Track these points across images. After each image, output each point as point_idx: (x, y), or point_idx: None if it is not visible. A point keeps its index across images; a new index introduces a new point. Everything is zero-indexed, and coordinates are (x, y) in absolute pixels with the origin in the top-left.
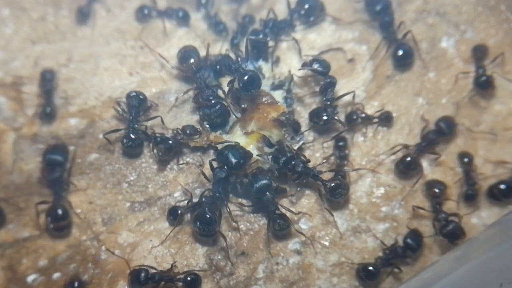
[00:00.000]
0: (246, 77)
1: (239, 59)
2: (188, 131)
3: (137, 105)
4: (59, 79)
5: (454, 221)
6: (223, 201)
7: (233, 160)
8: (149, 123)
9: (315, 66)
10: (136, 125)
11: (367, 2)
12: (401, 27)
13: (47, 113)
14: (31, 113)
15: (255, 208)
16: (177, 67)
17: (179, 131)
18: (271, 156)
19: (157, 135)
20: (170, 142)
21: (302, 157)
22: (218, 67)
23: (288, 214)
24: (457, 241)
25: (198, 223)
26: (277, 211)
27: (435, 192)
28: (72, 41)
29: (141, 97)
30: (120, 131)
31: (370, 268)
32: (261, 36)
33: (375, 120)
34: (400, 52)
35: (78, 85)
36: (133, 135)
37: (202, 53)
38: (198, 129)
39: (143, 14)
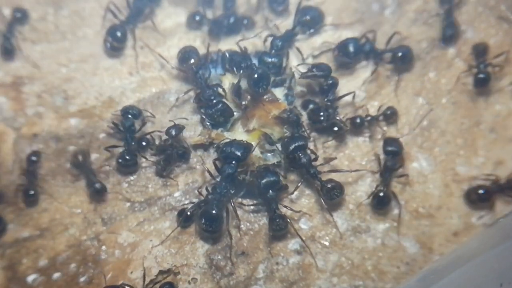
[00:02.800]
0: (256, 75)
1: (246, 56)
2: (174, 132)
3: (131, 125)
4: (60, 79)
5: None
6: (230, 198)
7: (237, 152)
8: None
9: (316, 72)
10: (132, 143)
11: (341, 55)
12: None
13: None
14: (31, 113)
15: (256, 207)
16: (178, 68)
17: (167, 136)
18: (281, 143)
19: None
20: (167, 153)
21: (311, 153)
22: (225, 62)
23: (288, 213)
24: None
25: (203, 219)
26: (277, 211)
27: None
28: (72, 41)
29: (134, 111)
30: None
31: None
32: (274, 59)
33: (381, 118)
34: (400, 54)
35: (78, 85)
36: (128, 156)
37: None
38: (181, 125)
39: (194, 20)
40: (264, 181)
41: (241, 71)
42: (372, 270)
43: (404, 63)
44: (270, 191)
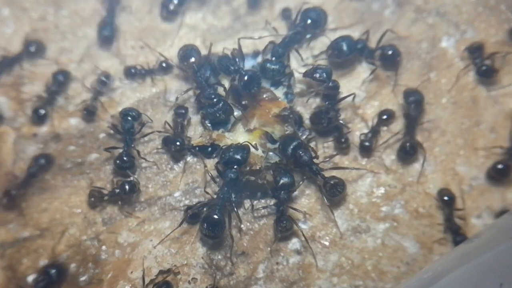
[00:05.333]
0: (246, 77)
1: (237, 59)
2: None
3: (131, 127)
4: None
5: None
6: (233, 202)
7: (237, 156)
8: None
9: (317, 75)
10: (132, 145)
11: (335, 54)
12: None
13: None
14: (31, 113)
15: (256, 207)
16: (178, 66)
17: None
18: (278, 145)
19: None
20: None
21: (311, 150)
22: (216, 66)
23: (290, 212)
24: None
25: (205, 224)
26: (284, 212)
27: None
28: (72, 41)
29: (133, 113)
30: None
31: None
32: (277, 66)
33: (379, 124)
34: (390, 52)
35: (78, 85)
36: (125, 157)
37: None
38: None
39: (168, 11)
40: (281, 182)
41: (231, 75)
42: (372, 270)
43: (391, 62)
44: (283, 192)
